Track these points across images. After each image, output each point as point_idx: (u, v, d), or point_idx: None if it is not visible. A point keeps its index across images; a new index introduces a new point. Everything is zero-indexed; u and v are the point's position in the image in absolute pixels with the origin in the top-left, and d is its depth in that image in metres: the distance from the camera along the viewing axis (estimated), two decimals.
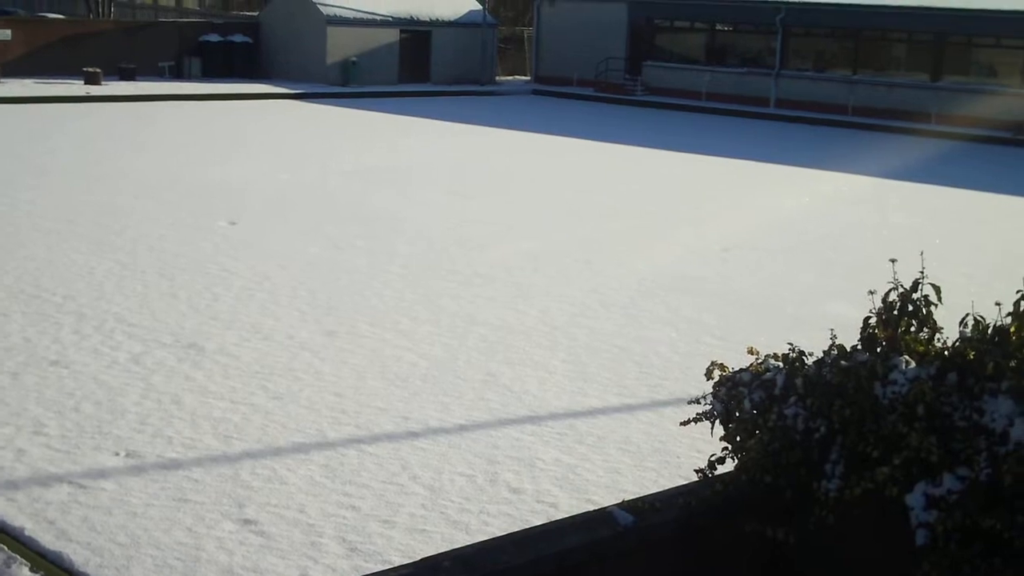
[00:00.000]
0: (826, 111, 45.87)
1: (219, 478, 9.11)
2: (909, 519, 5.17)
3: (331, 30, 51.44)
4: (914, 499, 5.18)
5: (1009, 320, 5.49)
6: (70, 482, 8.94)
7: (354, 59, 51.53)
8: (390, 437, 10.13)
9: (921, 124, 42.52)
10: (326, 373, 11.81)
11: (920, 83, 45.17)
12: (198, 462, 9.42)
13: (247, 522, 8.35)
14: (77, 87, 43.57)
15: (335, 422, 10.42)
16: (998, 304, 5.57)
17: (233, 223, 19.69)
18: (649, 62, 52.51)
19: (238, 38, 52.95)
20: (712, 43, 52.64)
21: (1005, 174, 31.62)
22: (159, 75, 50.12)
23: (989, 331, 5.50)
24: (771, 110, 47.35)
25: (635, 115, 45.84)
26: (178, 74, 50.72)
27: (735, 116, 46.31)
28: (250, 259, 16.86)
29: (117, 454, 9.52)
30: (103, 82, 44.91)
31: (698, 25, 53.09)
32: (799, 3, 48.05)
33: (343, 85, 50.65)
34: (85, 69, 45.01)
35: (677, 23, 53.78)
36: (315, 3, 51.69)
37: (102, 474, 9.12)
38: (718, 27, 52.70)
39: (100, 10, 59.82)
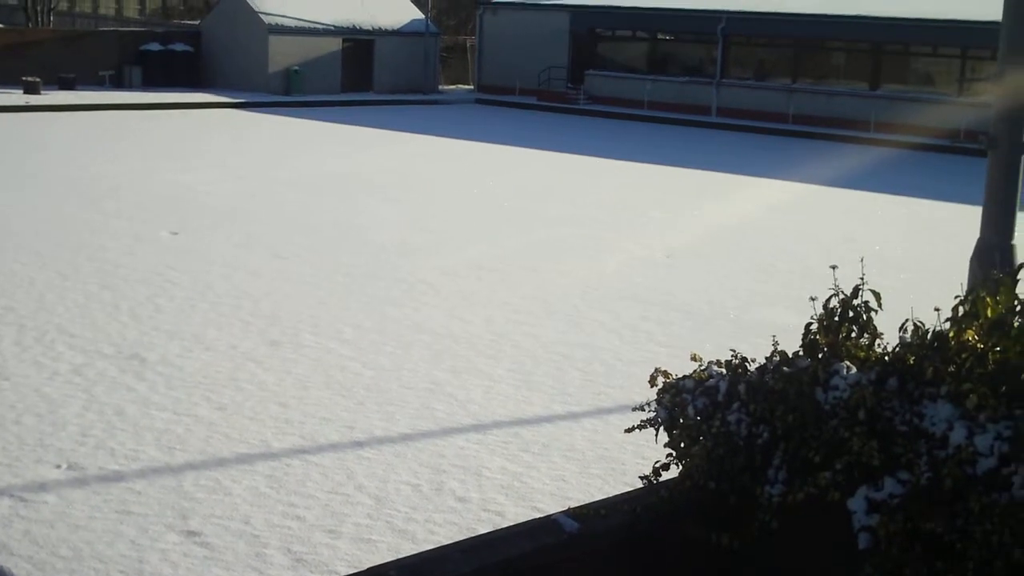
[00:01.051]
0: (766, 119, 46.25)
1: (162, 490, 9.04)
2: (851, 523, 5.22)
3: (273, 39, 51.27)
4: (856, 503, 5.23)
5: (948, 325, 5.56)
6: (11, 495, 8.85)
7: (296, 68, 51.38)
8: (335, 447, 10.10)
9: (860, 132, 42.97)
10: (270, 383, 11.76)
11: (859, 91, 45.65)
12: (141, 474, 9.35)
13: (191, 534, 8.30)
14: (16, 97, 43.18)
15: (279, 432, 10.38)
16: (937, 309, 5.63)
17: (175, 233, 19.56)
18: (591, 71, 52.70)
19: (179, 47, 52.64)
20: (654, 52, 52.92)
21: (943, 181, 31.98)
22: (99, 84, 49.75)
23: (928, 336, 5.57)
24: (712, 118, 47.66)
25: (578, 124, 45.98)
26: (119, 83, 50.37)
27: (677, 125, 46.57)
28: (193, 269, 16.77)
29: (59, 466, 9.43)
30: (42, 91, 44.53)
31: (640, 34, 53.39)
32: (739, 13, 48.42)
33: (285, 94, 50.50)
34: (24, 78, 44.63)
35: (619, 32, 54.04)
36: (257, 12, 51.49)
37: (44, 487, 9.03)
38: (659, 36, 53.01)
39: (39, 19, 59.33)
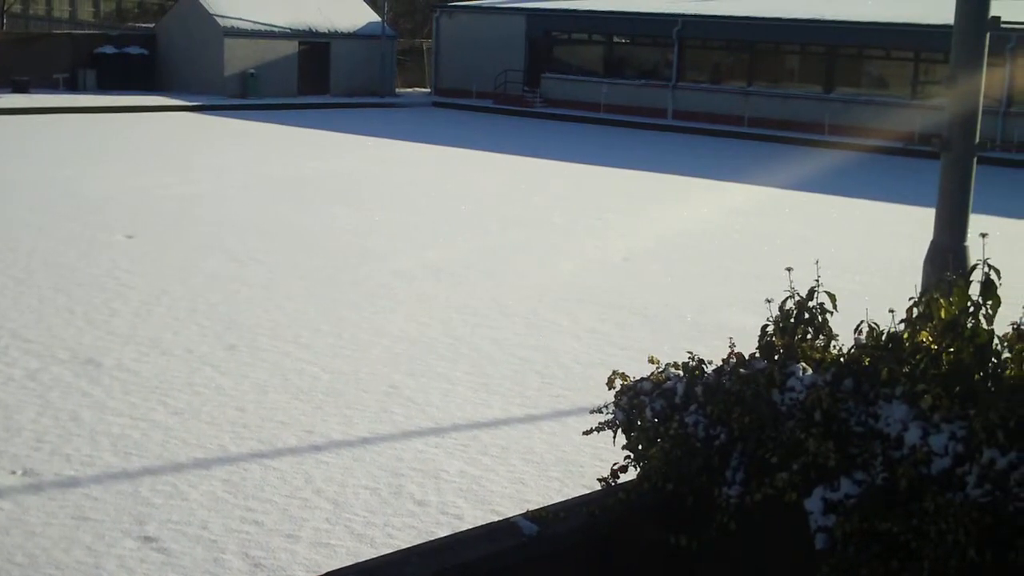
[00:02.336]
0: (722, 122, 46.46)
1: (119, 495, 9.00)
2: (809, 524, 5.26)
3: (229, 42, 51.06)
4: (813, 504, 5.26)
5: (902, 327, 5.60)
6: None
7: (252, 71, 51.18)
8: (293, 451, 10.07)
9: (815, 135, 43.26)
10: (227, 387, 11.71)
11: (813, 94, 45.94)
12: (97, 479, 9.30)
13: (148, 539, 8.26)
14: None
15: (237, 437, 10.34)
16: (891, 311, 5.68)
17: (131, 237, 19.45)
18: (548, 74, 52.77)
19: (134, 50, 52.34)
20: (610, 55, 53.04)
21: (897, 183, 32.21)
22: (53, 87, 49.39)
23: (883, 338, 5.61)
24: (668, 121, 47.82)
25: (534, 127, 46.04)
26: (73, 86, 50.03)
27: (633, 128, 46.71)
28: (148, 273, 16.68)
29: (14, 472, 9.36)
30: None
31: (596, 37, 53.50)
32: (695, 16, 48.63)
33: (241, 97, 50.30)
34: None
35: (575, 35, 54.12)
36: (212, 15, 51.27)
37: None
38: (615, 39, 53.14)
39: None
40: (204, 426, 10.57)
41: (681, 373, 5.98)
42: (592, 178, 31.22)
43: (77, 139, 34.92)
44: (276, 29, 52.68)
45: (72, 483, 9.21)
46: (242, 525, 8.55)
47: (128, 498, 8.95)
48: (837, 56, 46.27)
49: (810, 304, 5.83)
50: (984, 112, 11.71)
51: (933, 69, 43.13)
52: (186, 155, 32.11)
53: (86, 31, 59.50)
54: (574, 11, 52.77)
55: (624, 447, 6.08)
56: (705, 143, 42.41)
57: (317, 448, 10.16)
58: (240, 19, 51.75)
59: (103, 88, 50.07)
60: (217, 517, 8.66)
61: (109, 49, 51.64)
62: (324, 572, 5.23)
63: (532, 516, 5.53)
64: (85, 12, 78.96)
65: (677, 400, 5.84)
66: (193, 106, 46.60)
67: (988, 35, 11.16)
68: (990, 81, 12.76)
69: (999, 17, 11.15)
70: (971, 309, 5.44)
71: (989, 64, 11.57)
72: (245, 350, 13.08)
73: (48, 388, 11.48)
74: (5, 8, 61.23)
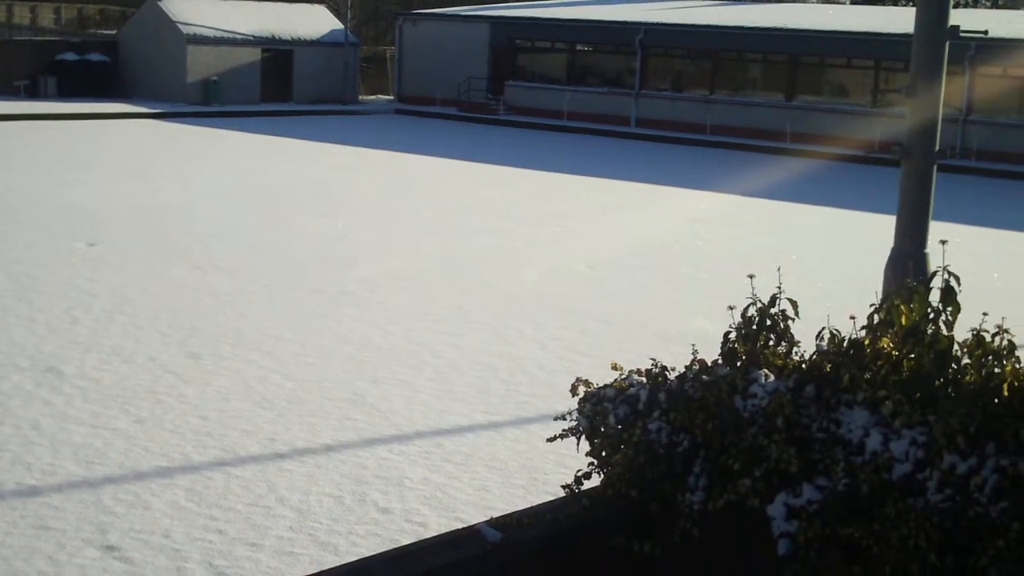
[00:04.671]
0: (685, 130, 46.62)
1: (80, 504, 8.94)
2: (771, 529, 5.29)
3: (191, 49, 50.88)
4: (775, 510, 5.29)
5: (863, 333, 5.65)
6: None
7: (215, 78, 51.02)
8: (256, 459, 10.04)
9: (777, 143, 43.48)
10: (190, 396, 11.66)
11: (775, 102, 46.18)
12: (58, 488, 9.23)
13: (110, 548, 8.21)
14: None
15: (200, 445, 10.30)
16: (853, 318, 5.72)
17: (92, 245, 19.34)
18: (511, 82, 52.83)
19: (95, 56, 52.06)
20: (573, 63, 53.16)
21: (857, 190, 32.41)
22: (14, 94, 49.05)
23: (845, 344, 5.66)
24: (632, 129, 47.95)
25: (498, 134, 46.07)
26: (33, 93, 49.71)
27: (596, 135, 46.81)
28: (110, 281, 16.59)
29: None
30: None
31: (559, 45, 53.61)
32: (658, 25, 48.80)
33: (204, 104, 50.11)
34: None
35: (538, 43, 54.22)
36: (175, 22, 51.08)
37: None
38: (579, 47, 53.27)
39: None
40: (167, 434, 10.52)
41: (644, 380, 6.00)
42: (556, 186, 31.27)
43: (38, 147, 34.69)
44: (239, 36, 52.53)
45: (33, 492, 9.14)
46: (205, 534, 8.51)
47: (90, 507, 8.89)
48: (799, 65, 46.56)
49: (772, 311, 5.87)
50: (943, 120, 11.81)
51: (893, 77, 43.43)
52: (148, 163, 31.95)
53: (47, 38, 59.17)
54: (537, 19, 52.86)
55: (588, 454, 6.10)
56: (668, 151, 42.54)
57: (280, 456, 10.13)
58: (203, 26, 51.58)
59: (64, 95, 49.78)
60: (180, 526, 8.62)
61: (70, 56, 51.35)
62: None
63: (496, 523, 5.54)
64: (46, 19, 78.42)
65: (640, 407, 5.86)
66: (155, 113, 46.41)
67: (947, 44, 11.27)
68: (949, 90, 12.88)
69: (958, 26, 11.26)
70: (931, 315, 5.49)
71: (948, 73, 11.68)
72: (208, 358, 13.03)
73: (8, 396, 11.39)
74: None
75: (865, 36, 43.46)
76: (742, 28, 46.59)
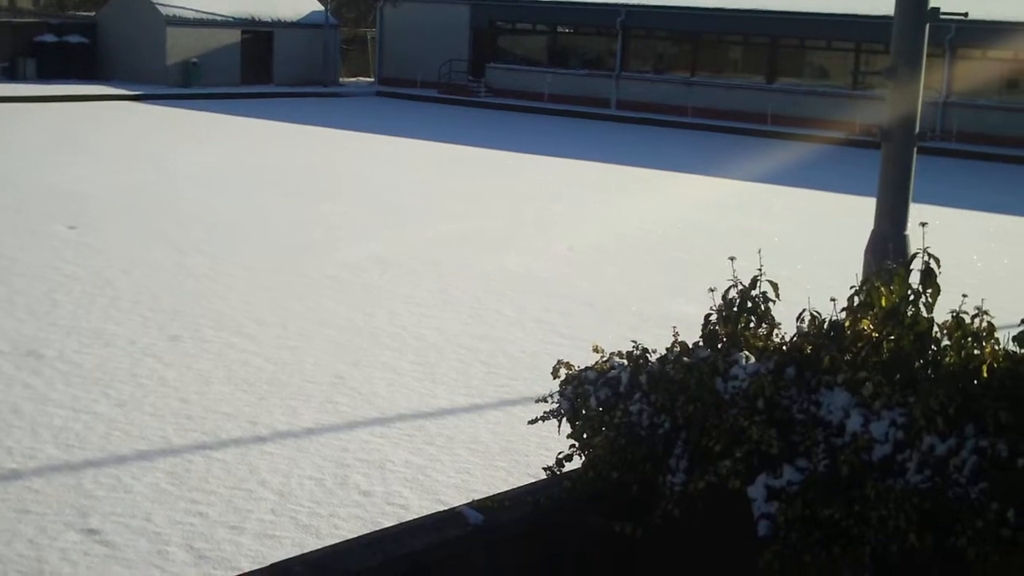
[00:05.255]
0: (666, 112, 46.63)
1: (61, 488, 8.92)
2: (752, 510, 5.31)
3: (171, 30, 50.64)
4: (756, 491, 5.31)
5: (844, 315, 5.66)
6: None
7: (195, 60, 50.80)
8: (237, 442, 10.03)
9: (757, 125, 43.54)
10: (170, 379, 11.64)
11: (756, 84, 46.22)
12: (39, 472, 9.21)
13: (91, 532, 8.20)
14: None
15: (180, 428, 10.28)
16: (833, 299, 5.74)
17: (73, 227, 19.27)
18: (492, 64, 52.76)
19: (75, 38, 51.78)
20: (554, 45, 53.11)
21: (838, 173, 32.47)
22: None
23: (825, 326, 5.67)
24: (612, 111, 47.94)
25: (479, 116, 46.01)
26: (12, 75, 49.42)
27: (577, 117, 46.78)
28: (91, 264, 16.53)
29: None
30: None
31: (540, 27, 53.53)
32: (638, 6, 48.74)
33: (184, 86, 49.93)
34: None
35: (519, 25, 54.14)
36: (154, 3, 50.83)
37: None
38: (559, 29, 53.20)
39: None
40: (147, 418, 10.51)
41: (625, 362, 6.01)
42: (537, 168, 31.25)
43: (17, 129, 34.52)
44: (219, 18, 52.31)
45: (13, 476, 9.12)
46: (186, 517, 8.51)
47: (70, 491, 8.88)
48: (779, 47, 46.58)
49: (753, 293, 5.88)
50: (924, 103, 11.84)
51: (874, 60, 43.48)
52: (128, 145, 31.83)
53: (26, 19, 58.78)
54: (518, 1, 52.77)
55: (569, 436, 6.11)
56: (648, 133, 42.55)
57: (262, 439, 10.13)
58: (182, 7, 51.33)
59: (43, 77, 49.50)
60: (161, 509, 8.62)
61: (49, 38, 51.05)
62: (270, 563, 5.22)
63: (478, 505, 5.55)
64: (25, 0, 77.99)
65: (622, 389, 5.87)
66: (135, 95, 46.20)
67: (928, 26, 11.28)
68: (930, 72, 12.90)
69: (938, 8, 11.27)
70: (911, 297, 5.50)
71: (929, 55, 11.69)
72: (189, 341, 13.01)
73: None
74: None
75: (846, 18, 43.48)
76: (723, 10, 46.56)
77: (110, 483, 9.05)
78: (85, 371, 11.77)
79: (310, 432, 10.36)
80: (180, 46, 50.91)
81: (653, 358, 5.97)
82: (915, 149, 11.50)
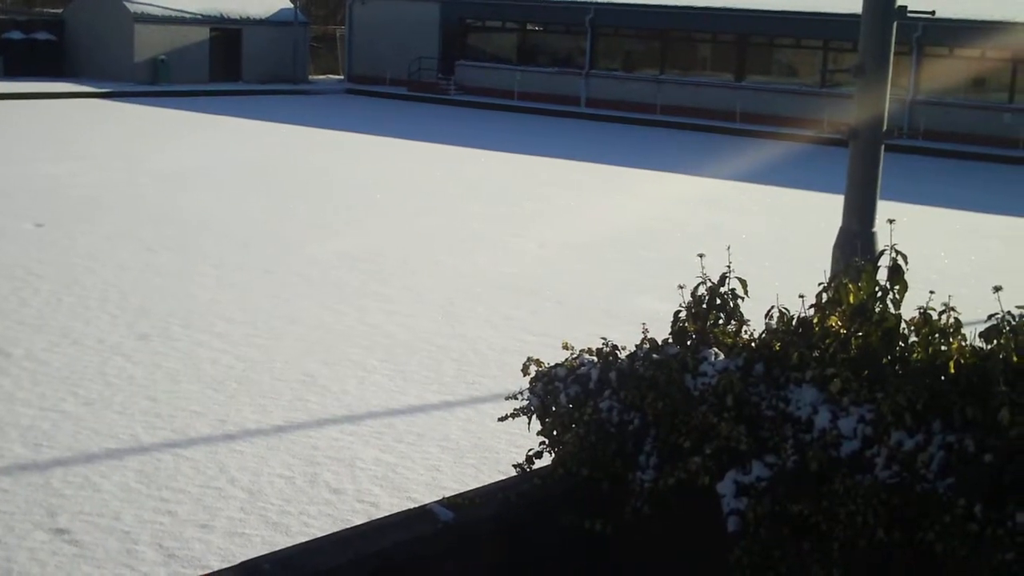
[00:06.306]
0: (635, 110, 46.70)
1: (29, 487, 8.88)
2: (721, 507, 5.32)
3: (139, 28, 50.41)
4: (725, 487, 5.33)
5: (812, 311, 5.69)
6: None
7: (163, 57, 50.58)
8: (207, 440, 10.00)
9: (726, 122, 43.66)
10: (139, 377, 11.59)
11: (725, 82, 46.33)
12: (6, 471, 9.16)
13: (60, 531, 8.16)
14: None
15: (149, 427, 10.24)
16: (801, 296, 5.76)
17: (40, 225, 19.16)
18: (462, 62, 52.73)
19: (42, 35, 51.51)
20: (523, 43, 53.12)
21: (806, 170, 32.57)
22: None
23: (793, 323, 5.69)
24: (582, 109, 47.98)
25: (448, 114, 45.97)
26: None
27: (547, 115, 46.80)
28: (58, 262, 16.45)
29: None
30: None
31: (509, 25, 53.53)
32: (607, 4, 48.79)
33: (152, 84, 49.70)
34: None
35: (489, 23, 54.13)
36: (122, 0, 50.55)
37: None
38: (529, 27, 53.21)
39: None
40: (116, 416, 10.46)
41: (595, 359, 6.02)
42: (506, 166, 31.25)
43: None
44: (187, 15, 52.09)
45: None
46: (155, 516, 8.48)
47: (39, 490, 8.84)
48: (748, 45, 46.71)
49: (722, 290, 5.90)
50: (891, 101, 11.90)
51: (842, 58, 43.67)
52: (96, 143, 31.67)
53: None
54: None
55: (539, 433, 6.11)
56: (618, 131, 42.59)
57: (231, 437, 10.10)
58: (151, 4, 51.09)
59: (9, 74, 49.21)
60: (130, 508, 8.58)
61: (16, 34, 50.75)
62: (240, 562, 5.21)
63: (448, 503, 5.55)
64: None
65: (591, 386, 5.88)
66: (103, 93, 45.97)
67: (895, 24, 11.34)
68: (897, 70, 12.96)
69: (906, 7, 11.33)
70: (879, 294, 5.53)
71: (896, 53, 11.76)
72: (157, 339, 12.96)
73: None
74: None
75: (814, 16, 43.63)
76: (692, 8, 46.65)
77: (79, 482, 9.01)
78: (53, 370, 11.71)
79: (280, 430, 10.33)
80: (148, 43, 50.66)
81: (623, 355, 5.98)
82: (883, 147, 11.55)
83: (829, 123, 39.99)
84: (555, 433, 5.97)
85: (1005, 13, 39.70)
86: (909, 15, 11.44)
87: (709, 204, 25.33)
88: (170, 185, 24.37)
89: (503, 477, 6.82)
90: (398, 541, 5.25)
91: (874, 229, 11.44)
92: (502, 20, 53.52)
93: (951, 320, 5.35)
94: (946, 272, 17.95)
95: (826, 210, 20.80)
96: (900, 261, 5.56)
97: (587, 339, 7.30)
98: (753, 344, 5.69)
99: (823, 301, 5.68)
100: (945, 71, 41.06)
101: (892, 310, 5.49)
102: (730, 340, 5.79)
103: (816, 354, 5.45)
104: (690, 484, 5.38)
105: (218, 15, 53.23)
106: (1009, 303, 5.14)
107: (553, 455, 5.97)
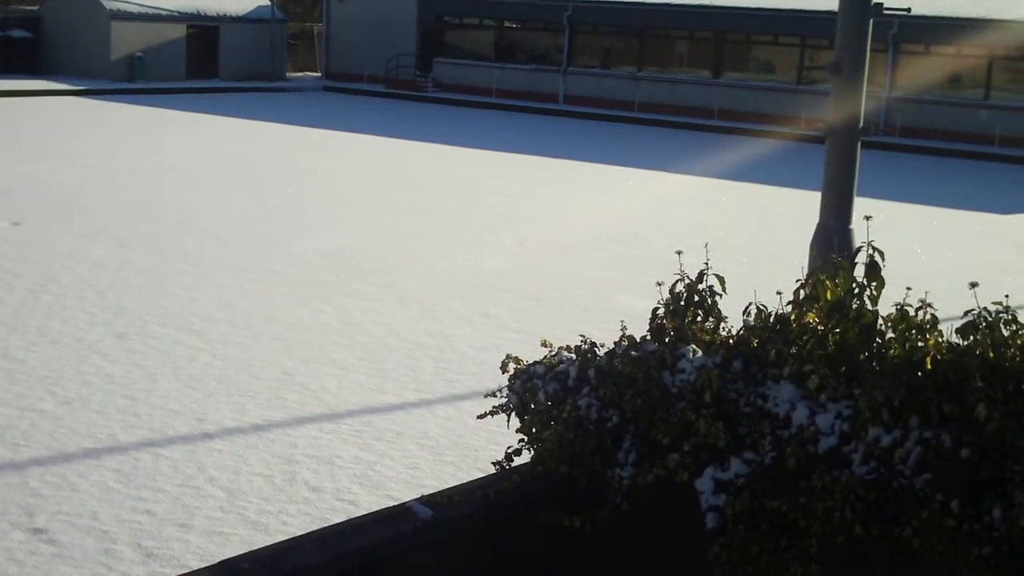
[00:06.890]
0: (613, 107, 46.74)
1: (6, 487, 8.85)
2: (700, 503, 5.34)
3: (115, 25, 50.20)
4: (703, 484, 5.34)
5: (789, 308, 5.70)
6: None
7: (140, 54, 50.40)
8: (185, 439, 9.98)
9: (704, 119, 43.73)
10: (117, 376, 11.56)
11: (702, 79, 46.41)
12: None
13: (37, 531, 8.14)
14: None
15: (127, 426, 10.22)
16: (779, 293, 5.77)
17: (16, 224, 19.08)
18: (439, 59, 52.67)
19: (17, 32, 51.25)
20: (501, 40, 53.10)
21: (784, 167, 32.65)
22: None
23: (771, 319, 5.71)
24: (560, 106, 47.98)
25: (426, 112, 45.93)
26: None
27: (525, 112, 46.79)
28: (35, 260, 16.38)
29: None
30: None
31: (487, 22, 53.49)
32: (586, 1, 48.81)
33: (129, 81, 49.53)
34: None
35: (467, 20, 54.07)
36: None
37: None
38: (507, 24, 53.19)
39: None
40: (94, 415, 10.43)
41: (574, 356, 6.03)
42: (485, 163, 31.25)
43: None
44: (164, 12, 51.90)
45: None
46: (134, 515, 8.46)
47: (16, 490, 8.80)
48: (725, 42, 46.80)
49: (700, 287, 5.91)
50: (868, 98, 11.94)
51: (819, 55, 43.79)
52: (73, 140, 31.54)
53: None
54: None
55: (518, 430, 6.11)
56: (596, 128, 42.63)
57: (209, 436, 10.08)
58: (127, 1, 50.91)
59: None
60: (108, 507, 8.56)
61: None
62: (218, 561, 5.20)
63: (427, 501, 5.55)
64: None
65: (570, 383, 5.88)
66: (79, 90, 45.78)
67: (871, 22, 11.38)
68: (873, 67, 13.01)
69: (882, 4, 11.38)
70: (856, 290, 5.55)
71: (872, 50, 11.80)
72: (135, 338, 12.92)
73: None
74: None
75: (791, 13, 43.74)
76: (669, 5, 46.72)
77: (56, 482, 8.98)
78: (30, 369, 11.67)
79: (258, 429, 10.32)
80: (125, 40, 50.48)
81: (601, 352, 5.99)
82: (859, 144, 11.59)
83: (806, 120, 40.11)
84: (534, 430, 5.97)
85: (980, 10, 39.87)
86: (885, 12, 11.50)
87: (687, 201, 25.37)
88: (148, 183, 24.29)
89: (482, 475, 6.82)
90: (377, 539, 5.24)
91: (851, 226, 11.49)
92: (480, 17, 53.48)
93: (928, 316, 5.37)
94: (923, 268, 18.02)
95: (803, 207, 20.87)
96: (877, 257, 5.57)
97: (566, 336, 7.31)
98: (731, 341, 5.71)
99: (801, 298, 5.70)
100: (921, 68, 41.20)
101: (869, 306, 5.51)
102: (708, 337, 5.80)
103: (794, 351, 5.47)
104: (669, 481, 5.39)
105: (195, 12, 53.06)
106: (985, 299, 5.16)
107: (532, 452, 5.97)
